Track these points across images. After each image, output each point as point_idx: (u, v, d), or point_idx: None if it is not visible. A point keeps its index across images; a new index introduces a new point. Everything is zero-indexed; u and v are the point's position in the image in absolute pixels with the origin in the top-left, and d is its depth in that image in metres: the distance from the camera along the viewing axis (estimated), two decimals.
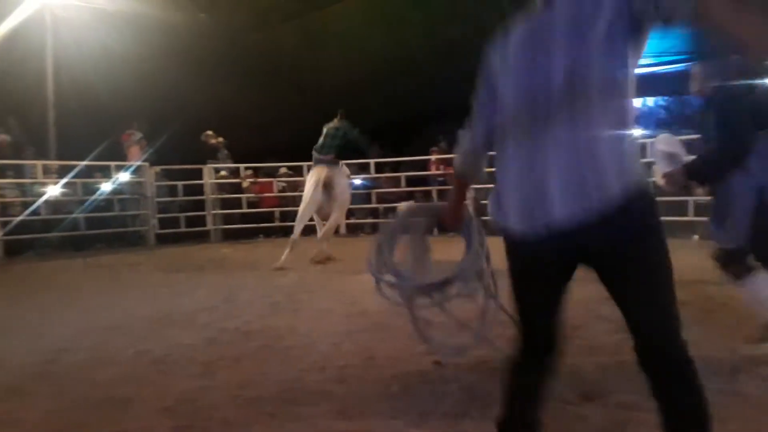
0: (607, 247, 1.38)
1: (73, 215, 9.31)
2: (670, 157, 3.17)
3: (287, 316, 4.26)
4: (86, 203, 9.39)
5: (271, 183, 11.21)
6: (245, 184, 10.90)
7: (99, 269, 7.25)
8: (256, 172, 11.32)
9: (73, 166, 9.27)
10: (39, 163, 9.26)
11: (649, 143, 6.55)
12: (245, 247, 9.48)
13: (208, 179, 10.55)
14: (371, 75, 12.29)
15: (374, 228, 10.61)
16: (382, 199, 10.91)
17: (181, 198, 10.73)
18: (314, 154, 6.98)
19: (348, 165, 9.31)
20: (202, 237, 10.43)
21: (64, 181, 9.27)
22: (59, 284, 6.16)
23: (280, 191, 11.19)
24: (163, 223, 10.28)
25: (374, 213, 11.06)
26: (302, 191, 7.46)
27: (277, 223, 10.76)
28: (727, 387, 2.41)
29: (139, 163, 10.01)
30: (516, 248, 1.55)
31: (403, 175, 10.92)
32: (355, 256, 7.01)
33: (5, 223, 8.50)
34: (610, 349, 2.95)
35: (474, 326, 2.25)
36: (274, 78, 12.42)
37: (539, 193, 1.40)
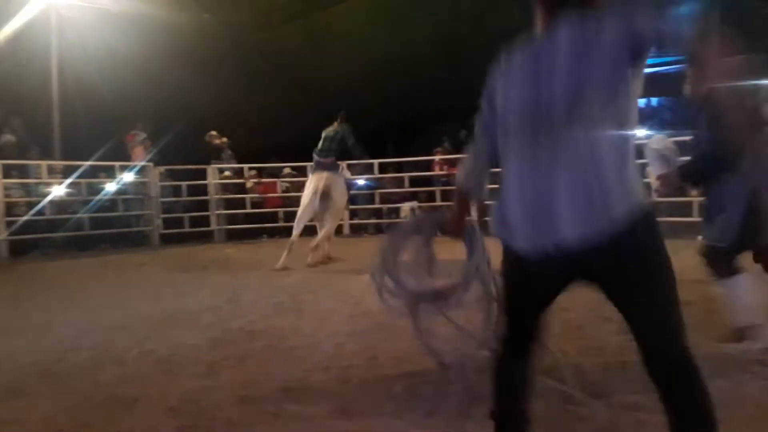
0: (612, 265, 1.41)
1: (78, 215, 9.37)
2: (664, 158, 3.18)
3: (291, 316, 4.26)
4: (91, 203, 9.43)
5: (274, 183, 11.23)
6: (249, 184, 10.91)
7: (103, 269, 7.28)
8: (260, 172, 11.34)
9: (78, 167, 9.30)
10: (44, 163, 9.30)
11: (643, 145, 6.54)
12: (249, 247, 9.49)
13: (212, 179, 10.56)
14: (375, 75, 12.29)
15: (377, 228, 10.62)
16: (385, 199, 10.93)
17: (185, 198, 10.74)
18: (314, 156, 7.01)
19: (351, 165, 9.35)
20: (206, 237, 10.45)
21: (68, 181, 9.30)
22: (64, 284, 6.18)
23: (283, 191, 11.20)
24: (167, 223, 10.31)
25: (377, 213, 11.06)
26: None
27: (280, 224, 10.75)
28: (728, 387, 2.40)
29: (143, 163, 10.03)
30: (517, 262, 1.56)
31: (406, 175, 10.89)
32: (358, 257, 7.03)
33: (10, 223, 8.52)
34: (613, 350, 2.95)
35: (475, 332, 2.29)
36: (278, 78, 12.45)
37: (546, 212, 1.42)
